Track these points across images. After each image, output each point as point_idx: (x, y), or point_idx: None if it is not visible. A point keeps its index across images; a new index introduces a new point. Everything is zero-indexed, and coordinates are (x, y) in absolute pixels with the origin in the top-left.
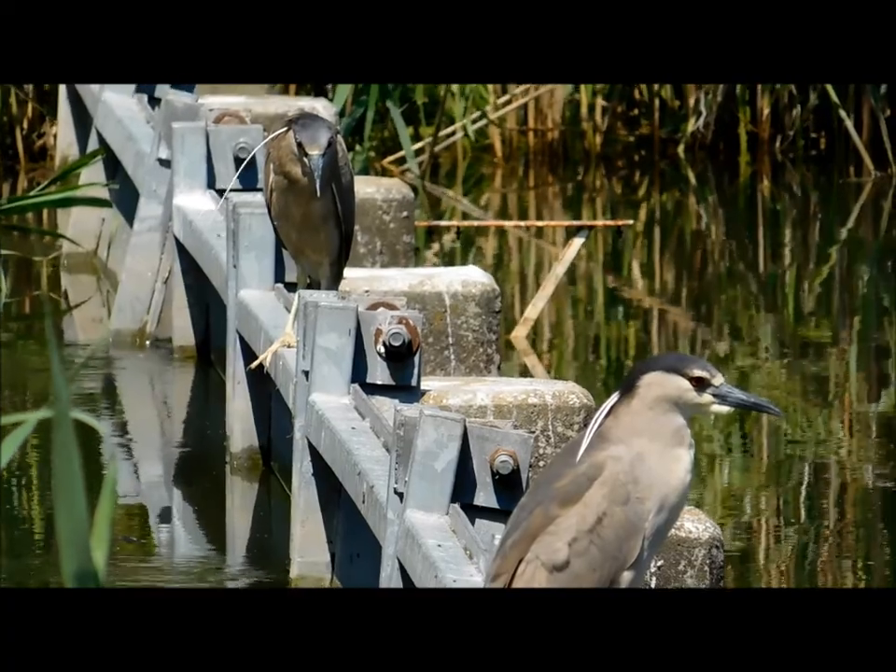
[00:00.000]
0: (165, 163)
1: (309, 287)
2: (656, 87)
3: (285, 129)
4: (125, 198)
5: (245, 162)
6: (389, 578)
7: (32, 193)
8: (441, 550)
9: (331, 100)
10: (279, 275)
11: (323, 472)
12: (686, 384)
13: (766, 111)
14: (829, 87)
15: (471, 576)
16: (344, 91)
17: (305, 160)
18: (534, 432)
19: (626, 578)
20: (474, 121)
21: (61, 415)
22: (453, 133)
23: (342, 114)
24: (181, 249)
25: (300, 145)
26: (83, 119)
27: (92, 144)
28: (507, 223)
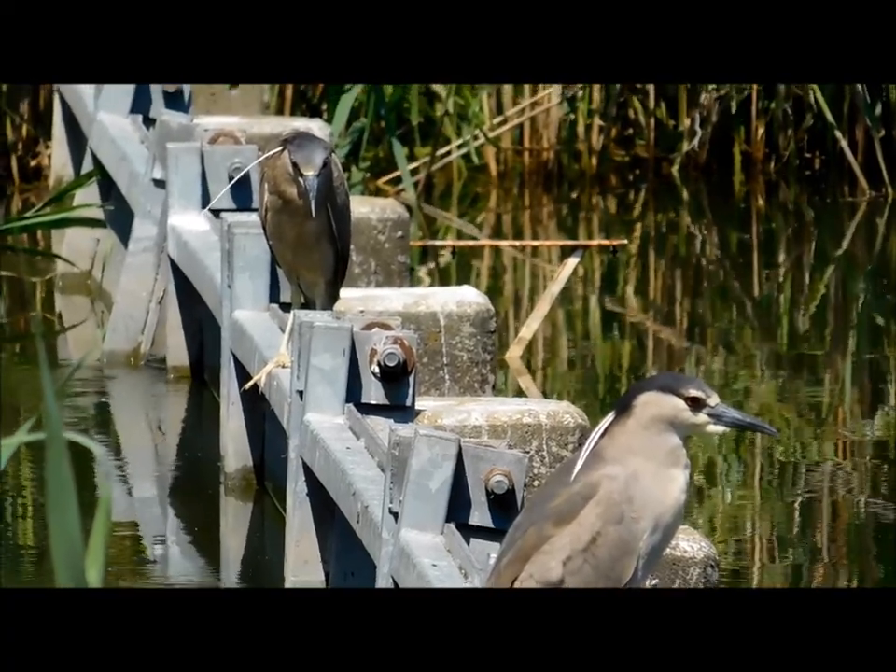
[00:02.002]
0: (160, 184)
1: (304, 307)
2: (651, 106)
3: (280, 148)
4: (119, 218)
5: (235, 180)
6: None
7: (28, 214)
8: (436, 569)
9: (327, 121)
10: (274, 296)
11: (317, 492)
12: (682, 403)
13: (761, 131)
14: (824, 106)
15: None
16: (343, 112)
17: (300, 180)
18: (529, 452)
19: None
20: (473, 139)
21: (53, 436)
22: (448, 153)
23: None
24: (175, 269)
25: (295, 165)
26: (78, 140)
27: (87, 164)
28: (502, 243)
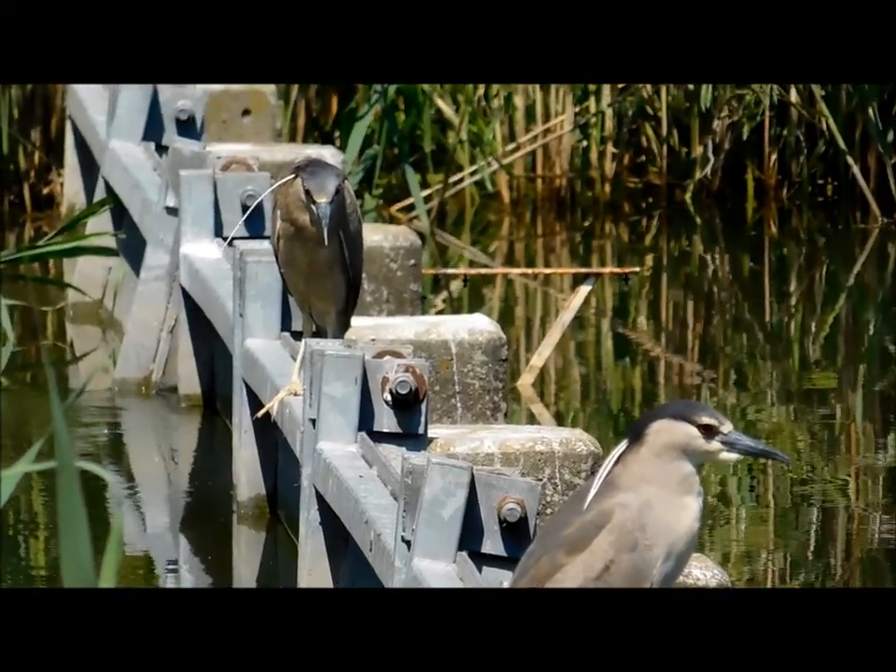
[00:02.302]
0: (172, 211)
1: (315, 335)
2: (664, 133)
3: (292, 176)
4: (131, 246)
5: (251, 209)
6: None
7: (40, 243)
8: None
9: (340, 148)
10: (285, 324)
11: (330, 520)
12: (694, 431)
13: (773, 158)
14: (836, 133)
15: None
16: (356, 140)
17: (313, 207)
18: (541, 480)
19: None
20: (486, 166)
21: (64, 465)
22: (461, 181)
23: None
24: (187, 298)
25: (307, 192)
26: (90, 168)
27: (99, 192)
28: (514, 270)
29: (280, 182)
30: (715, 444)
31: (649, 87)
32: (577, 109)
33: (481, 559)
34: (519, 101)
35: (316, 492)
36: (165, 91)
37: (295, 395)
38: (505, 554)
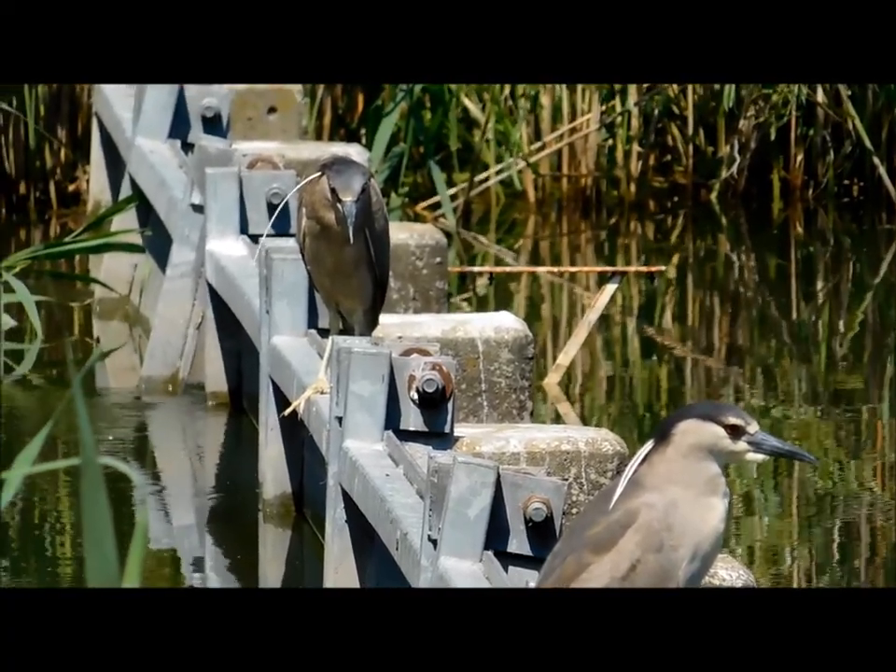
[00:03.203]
0: (198, 209)
1: (342, 332)
2: (689, 132)
3: (318, 174)
4: (157, 243)
5: (280, 208)
6: None
7: (67, 240)
8: None
9: (366, 146)
10: (312, 321)
11: (356, 519)
12: (721, 431)
13: (799, 158)
14: (862, 132)
15: None
16: (383, 138)
17: (339, 206)
18: (567, 479)
19: None
20: (512, 165)
21: (88, 462)
22: (486, 179)
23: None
24: (214, 295)
25: (333, 191)
26: (116, 165)
27: (125, 189)
28: (539, 269)
29: (306, 180)
30: (742, 445)
31: (675, 86)
32: (603, 108)
33: (506, 559)
34: (545, 100)
35: (343, 490)
36: (191, 88)
37: (322, 393)
38: (531, 554)
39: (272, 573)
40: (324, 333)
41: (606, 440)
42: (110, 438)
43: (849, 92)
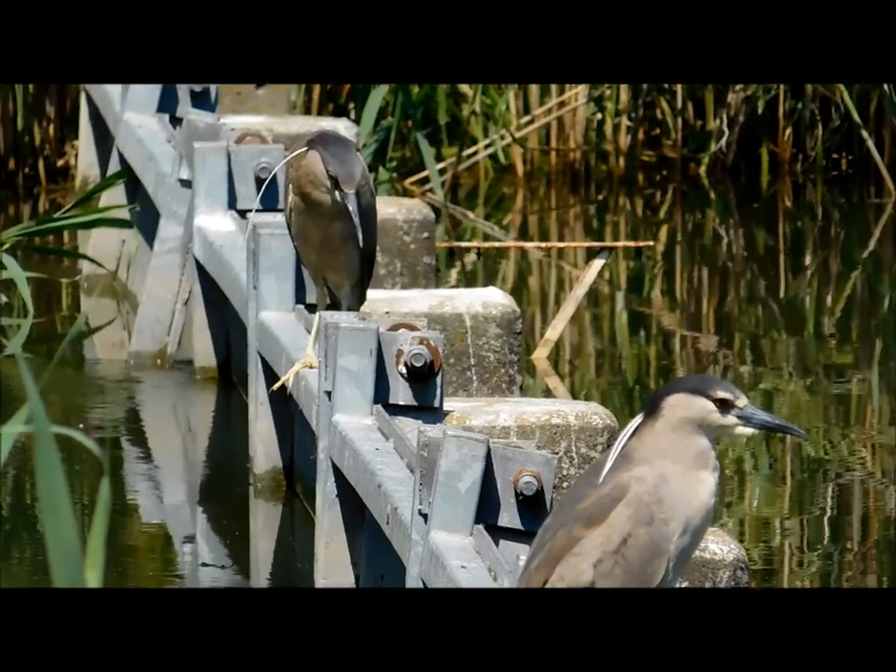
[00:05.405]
0: (186, 184)
1: (329, 308)
2: (678, 106)
3: (304, 149)
4: (145, 219)
5: (265, 184)
6: None
7: (57, 215)
8: (466, 571)
9: (354, 120)
10: (300, 297)
11: (347, 493)
12: (710, 405)
13: (788, 132)
14: (851, 107)
15: None
16: (371, 114)
17: (338, 194)
18: (557, 453)
19: None
20: (499, 139)
21: (41, 434)
22: (475, 154)
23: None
24: (201, 270)
25: (334, 178)
26: (104, 140)
27: (113, 164)
28: (528, 244)
29: (292, 155)
30: (731, 419)
31: None
32: None
33: (497, 532)
34: None
35: (333, 465)
36: None
37: (310, 367)
38: (522, 528)
39: (263, 547)
40: (311, 308)
41: (595, 413)
42: (99, 414)
43: None
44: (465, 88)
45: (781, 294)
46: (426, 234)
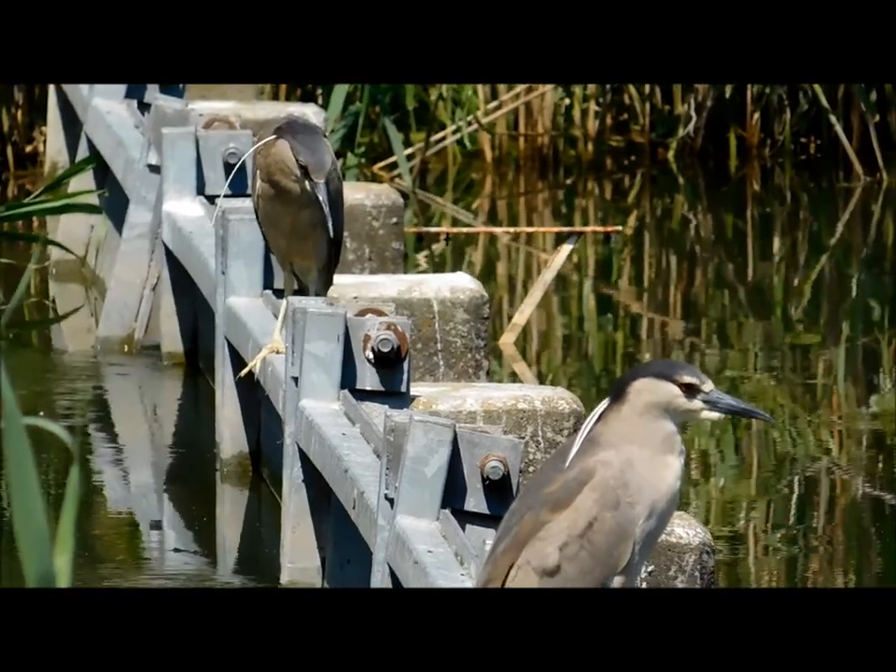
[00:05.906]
0: (155, 169)
1: (297, 293)
2: (646, 91)
3: (273, 136)
4: (114, 204)
5: (234, 170)
6: (380, 584)
7: (26, 201)
8: (432, 556)
9: (322, 106)
10: (268, 282)
11: (313, 478)
12: (676, 390)
13: (756, 116)
14: (819, 92)
15: (462, 582)
16: (339, 99)
17: (307, 184)
18: (524, 437)
19: (617, 582)
20: (467, 125)
21: (11, 422)
22: (443, 139)
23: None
24: (170, 256)
25: (304, 168)
26: (73, 126)
27: (82, 150)
28: (496, 229)
29: (261, 143)
30: (697, 403)
31: None
32: None
33: (464, 517)
34: None
35: (299, 450)
36: None
37: (277, 353)
38: (488, 512)
39: (229, 533)
40: (279, 294)
41: (562, 398)
42: (66, 399)
43: None
44: None
45: (749, 278)
46: (394, 220)
